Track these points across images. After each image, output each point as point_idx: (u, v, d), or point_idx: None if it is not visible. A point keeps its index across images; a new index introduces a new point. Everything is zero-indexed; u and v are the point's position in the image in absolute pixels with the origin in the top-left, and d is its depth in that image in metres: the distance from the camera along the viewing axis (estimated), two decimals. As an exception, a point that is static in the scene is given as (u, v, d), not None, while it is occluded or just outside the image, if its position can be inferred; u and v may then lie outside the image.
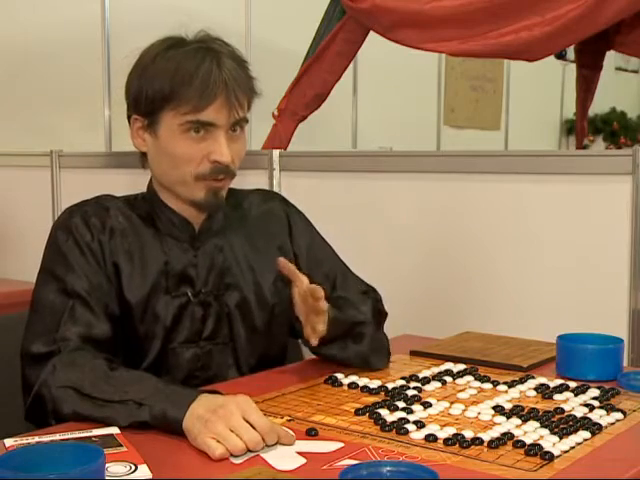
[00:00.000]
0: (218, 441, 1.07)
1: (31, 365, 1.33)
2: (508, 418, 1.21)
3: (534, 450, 1.08)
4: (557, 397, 1.34)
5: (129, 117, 1.48)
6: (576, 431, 1.15)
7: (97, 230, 1.44)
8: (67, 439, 1.11)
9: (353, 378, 1.43)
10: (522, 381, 1.42)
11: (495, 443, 1.11)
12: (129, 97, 1.46)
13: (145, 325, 1.44)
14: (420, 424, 1.18)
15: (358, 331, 1.48)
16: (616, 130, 6.57)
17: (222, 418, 1.09)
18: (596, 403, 1.29)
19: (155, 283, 1.45)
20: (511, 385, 1.40)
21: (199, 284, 1.49)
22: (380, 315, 1.58)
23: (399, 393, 1.34)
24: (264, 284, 1.55)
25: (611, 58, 5.00)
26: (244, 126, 1.47)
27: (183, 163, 1.42)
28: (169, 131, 1.41)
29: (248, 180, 1.95)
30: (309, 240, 1.63)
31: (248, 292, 1.53)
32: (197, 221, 1.51)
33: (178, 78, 1.39)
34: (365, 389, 1.38)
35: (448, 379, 1.44)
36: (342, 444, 1.12)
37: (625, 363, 1.52)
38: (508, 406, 1.27)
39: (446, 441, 1.12)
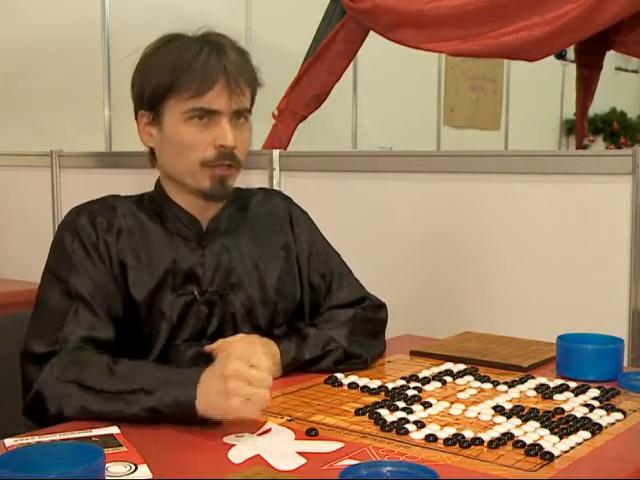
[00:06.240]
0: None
1: (32, 364, 1.34)
2: (508, 418, 1.21)
3: (534, 450, 1.08)
4: (557, 397, 1.34)
5: (136, 115, 1.49)
6: (576, 431, 1.15)
7: (103, 230, 1.44)
8: (67, 439, 1.11)
9: (353, 378, 1.43)
10: (522, 381, 1.42)
11: (495, 443, 1.11)
12: (134, 94, 1.48)
13: (150, 322, 1.44)
14: (420, 424, 1.18)
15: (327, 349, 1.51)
16: (616, 130, 6.57)
17: (235, 379, 1.13)
18: (596, 403, 1.29)
19: (162, 281, 1.45)
20: (511, 385, 1.40)
21: (205, 283, 1.49)
22: (366, 322, 1.59)
23: (399, 393, 1.34)
24: (268, 282, 1.55)
25: (611, 58, 5.00)
26: (248, 117, 1.48)
27: (189, 150, 1.42)
28: (173, 120, 1.43)
29: (248, 180, 1.95)
30: (310, 238, 1.63)
31: (253, 291, 1.53)
32: (205, 219, 1.51)
33: (178, 67, 1.40)
34: (365, 389, 1.38)
35: (448, 379, 1.44)
36: (342, 444, 1.12)
37: (625, 363, 1.52)
38: (508, 406, 1.27)
39: (446, 441, 1.12)
